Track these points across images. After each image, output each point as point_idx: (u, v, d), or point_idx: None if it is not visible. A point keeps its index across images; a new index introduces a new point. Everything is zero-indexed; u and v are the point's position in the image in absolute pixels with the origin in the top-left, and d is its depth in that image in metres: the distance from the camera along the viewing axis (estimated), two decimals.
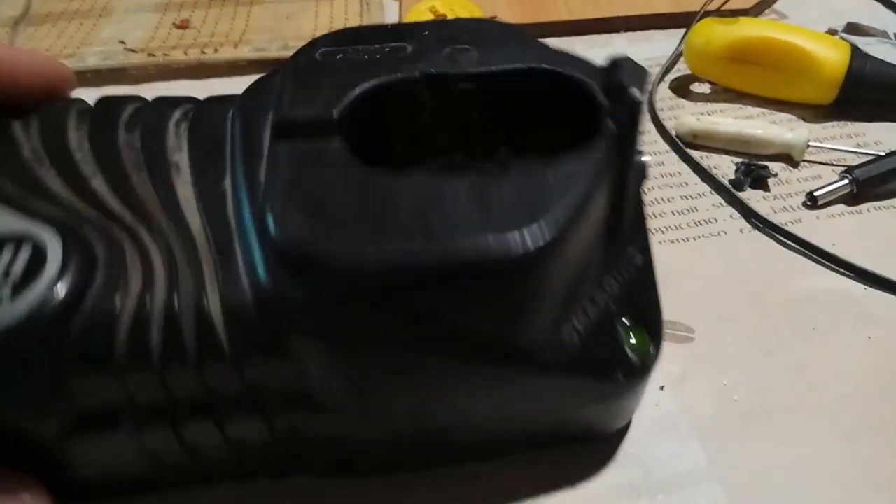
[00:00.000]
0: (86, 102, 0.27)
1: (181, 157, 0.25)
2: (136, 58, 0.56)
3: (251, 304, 0.22)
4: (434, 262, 0.21)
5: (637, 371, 0.26)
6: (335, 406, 0.24)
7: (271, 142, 0.24)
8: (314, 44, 0.27)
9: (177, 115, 0.26)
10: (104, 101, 0.27)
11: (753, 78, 0.48)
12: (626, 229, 0.28)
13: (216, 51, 0.56)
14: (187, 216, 0.23)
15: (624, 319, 0.27)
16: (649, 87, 0.23)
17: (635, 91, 0.24)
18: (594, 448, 0.30)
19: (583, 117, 0.25)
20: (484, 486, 0.29)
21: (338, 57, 0.26)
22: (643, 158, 0.29)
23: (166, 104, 0.27)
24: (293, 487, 0.29)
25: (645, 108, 0.24)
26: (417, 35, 0.27)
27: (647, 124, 0.48)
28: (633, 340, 0.27)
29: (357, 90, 0.25)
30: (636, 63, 0.25)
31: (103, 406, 0.23)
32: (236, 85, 0.26)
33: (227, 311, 0.22)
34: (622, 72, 0.24)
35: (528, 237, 0.21)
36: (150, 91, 0.55)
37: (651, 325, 0.27)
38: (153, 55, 0.56)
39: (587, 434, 0.30)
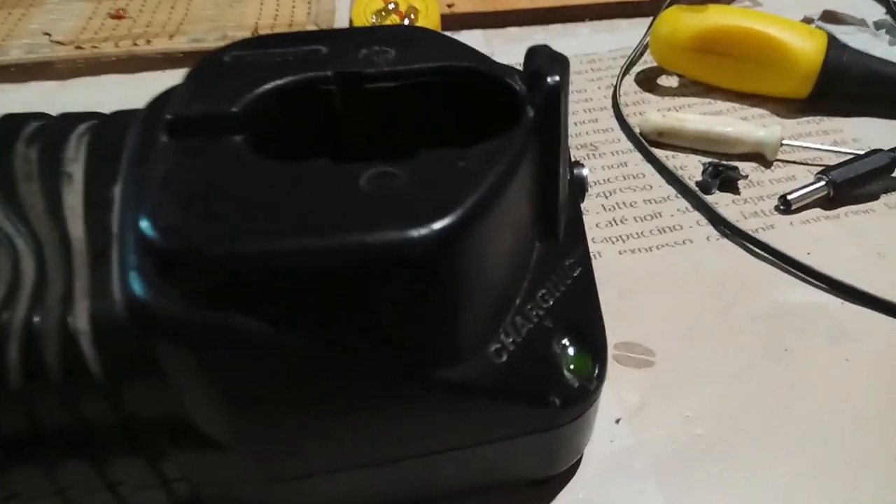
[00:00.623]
0: None
1: (76, 168, 0.23)
2: (63, 50, 0.52)
3: (122, 317, 0.19)
4: (318, 257, 0.18)
5: (576, 396, 0.23)
6: (222, 441, 0.21)
7: (163, 140, 0.22)
8: (224, 49, 0.25)
9: (81, 128, 0.25)
10: (6, 117, 0.25)
11: (724, 70, 0.45)
12: (561, 234, 0.25)
13: (149, 42, 0.52)
14: (70, 225, 0.21)
15: (563, 340, 0.24)
16: (568, 74, 0.21)
17: (553, 77, 0.22)
18: (538, 493, 0.27)
19: (503, 115, 0.22)
20: None
21: (247, 59, 0.24)
22: (583, 172, 0.27)
23: (72, 119, 0.25)
24: None
25: (566, 97, 0.22)
26: (335, 39, 0.25)
27: (609, 121, 0.44)
28: (571, 362, 0.24)
29: (264, 86, 0.23)
30: (554, 50, 0.23)
31: None
32: (170, 79, 0.24)
33: (96, 326, 0.19)
34: (539, 58, 0.22)
35: (428, 227, 0.18)
36: (78, 87, 0.51)
37: (593, 344, 0.24)
38: (81, 48, 0.52)
39: (528, 474, 0.27)
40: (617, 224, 0.38)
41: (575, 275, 0.25)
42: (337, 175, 0.20)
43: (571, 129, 0.44)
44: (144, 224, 0.19)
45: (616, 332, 0.32)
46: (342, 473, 0.23)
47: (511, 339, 0.23)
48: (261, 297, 0.19)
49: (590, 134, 0.43)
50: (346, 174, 0.20)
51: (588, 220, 0.37)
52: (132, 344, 0.19)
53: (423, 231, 0.18)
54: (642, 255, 0.36)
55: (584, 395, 0.23)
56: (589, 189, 0.28)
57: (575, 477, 0.27)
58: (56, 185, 0.23)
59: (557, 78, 0.22)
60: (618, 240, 0.37)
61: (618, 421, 0.29)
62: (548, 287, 0.24)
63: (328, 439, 0.22)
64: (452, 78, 0.24)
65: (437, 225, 0.18)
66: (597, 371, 0.24)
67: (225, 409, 0.21)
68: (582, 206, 0.27)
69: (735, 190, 0.39)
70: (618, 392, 0.30)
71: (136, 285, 0.19)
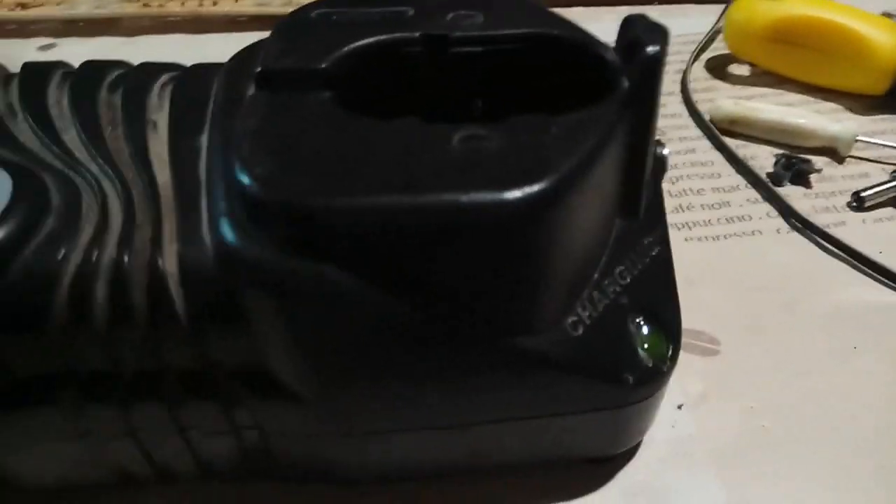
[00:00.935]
0: (70, 65, 0.26)
1: (160, 116, 0.23)
2: (131, 7, 0.52)
3: (210, 262, 0.20)
4: (413, 215, 0.18)
5: (650, 375, 0.23)
6: (300, 392, 0.21)
7: (252, 93, 0.22)
8: (311, 6, 0.25)
9: (163, 78, 0.25)
10: (88, 64, 0.26)
11: (798, 61, 0.43)
12: (642, 212, 0.25)
13: (215, 3, 0.52)
14: (156, 171, 0.22)
15: (638, 319, 0.23)
16: (668, 45, 0.21)
17: (652, 47, 0.21)
18: (596, 471, 0.27)
19: (594, 86, 0.22)
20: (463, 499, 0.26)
21: (334, 17, 0.24)
22: (664, 151, 0.26)
23: (153, 68, 0.25)
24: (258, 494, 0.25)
25: (663, 69, 0.22)
26: (421, 1, 0.25)
27: (678, 106, 0.43)
28: (645, 341, 0.23)
29: (352, 44, 0.23)
30: (652, 20, 0.22)
31: (37, 372, 0.21)
32: (234, 42, 0.24)
33: (184, 270, 0.20)
34: (638, 28, 0.22)
35: (521, 190, 0.18)
36: (144, 44, 0.51)
37: (668, 325, 0.24)
38: (148, 5, 0.52)
39: (592, 452, 0.26)
40: (683, 210, 0.37)
41: (653, 254, 0.25)
42: (427, 134, 0.20)
43: None
44: (239, 173, 0.19)
45: (683, 318, 0.32)
46: (411, 433, 0.23)
47: (588, 314, 0.23)
48: (351, 252, 0.18)
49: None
50: (436, 134, 0.20)
51: None
52: (220, 289, 0.19)
53: (516, 194, 0.18)
54: (708, 244, 0.35)
55: (656, 375, 0.23)
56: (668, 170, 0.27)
57: (635, 458, 0.27)
58: (141, 132, 0.23)
59: (658, 48, 0.21)
60: (684, 226, 0.36)
61: (680, 407, 0.29)
62: (626, 264, 0.24)
63: (403, 398, 0.22)
64: (540, 45, 0.23)
65: (531, 189, 0.18)
66: (670, 352, 0.23)
67: (305, 360, 0.21)
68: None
69: (807, 184, 0.38)
70: (681, 378, 0.29)
71: (227, 232, 0.19)
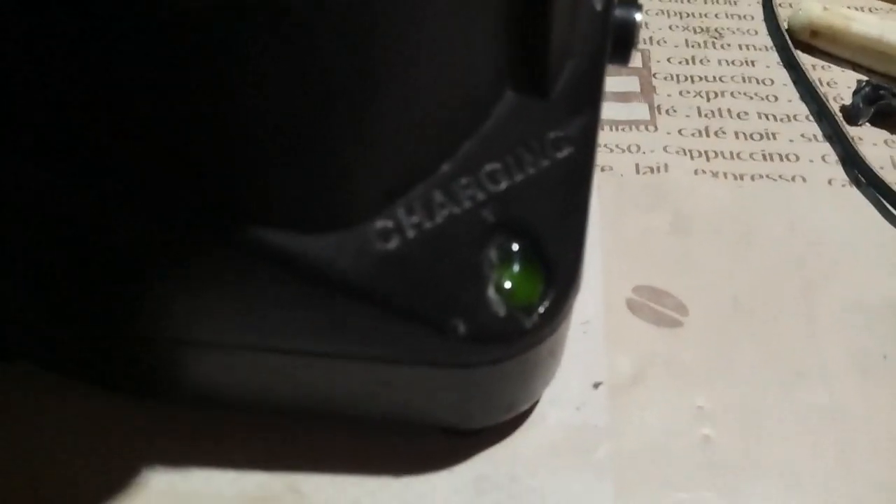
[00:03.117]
0: None
1: None
2: None
3: None
4: None
5: (498, 329, 0.15)
6: None
7: None
8: None
9: None
10: None
11: None
12: (553, 91, 0.16)
13: None
14: None
15: (510, 245, 0.15)
16: None
17: None
18: (452, 447, 0.19)
19: None
20: (254, 437, 0.19)
21: None
22: (634, 15, 0.18)
23: None
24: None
25: None
26: None
27: (753, 7, 0.33)
28: (508, 279, 0.15)
29: None
30: None
31: None
32: None
33: None
34: None
35: None
36: None
37: (553, 262, 0.16)
38: None
39: (438, 420, 0.19)
40: (708, 135, 0.27)
41: (559, 156, 0.16)
42: None
43: (697, 7, 0.33)
44: None
45: (645, 271, 0.23)
46: (198, 350, 0.17)
47: (414, 220, 0.15)
48: None
49: (719, 17, 0.32)
50: None
51: (670, 123, 0.28)
52: None
53: None
54: (726, 183, 0.26)
55: (511, 332, 0.15)
56: (637, 45, 0.18)
57: (510, 439, 0.20)
58: None
59: None
60: (700, 155, 0.27)
61: (597, 385, 0.21)
62: (505, 162, 0.16)
63: (150, 303, 0.16)
64: None
65: None
66: (547, 303, 0.16)
67: None
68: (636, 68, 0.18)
69: (894, 128, 0.28)
70: (615, 347, 0.21)
71: None
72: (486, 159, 0.16)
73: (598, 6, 0.17)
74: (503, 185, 0.16)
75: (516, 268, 0.16)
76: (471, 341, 0.15)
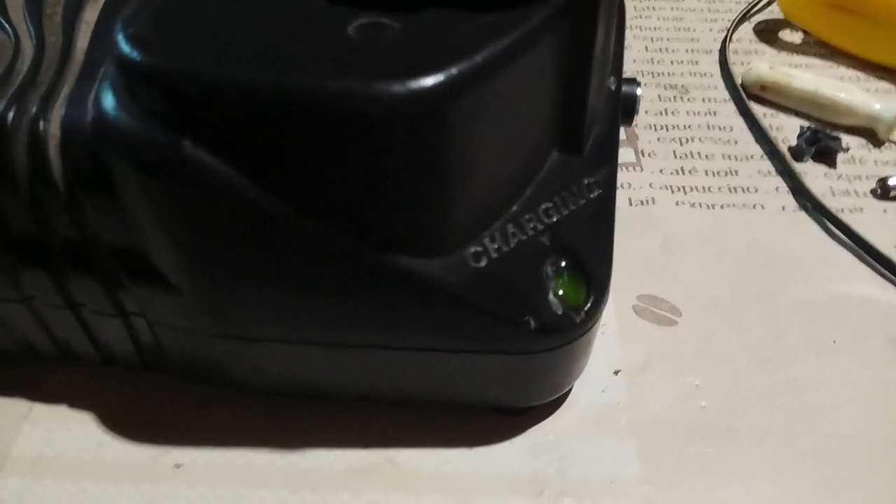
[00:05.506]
0: None
1: None
2: None
3: (88, 126, 0.19)
4: (271, 94, 0.17)
5: (558, 324, 0.21)
6: (175, 283, 0.21)
7: None
8: None
9: None
10: None
11: (855, 32, 0.39)
12: (585, 148, 0.22)
13: None
14: (78, 37, 0.21)
15: (560, 262, 0.21)
16: None
17: None
18: (507, 422, 0.25)
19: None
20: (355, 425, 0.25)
21: None
22: (635, 90, 0.24)
23: None
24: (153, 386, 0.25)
25: None
26: None
27: (711, 66, 0.40)
28: (561, 287, 0.21)
29: None
30: None
31: None
32: None
33: (65, 133, 0.19)
34: None
35: (397, 83, 0.16)
36: None
37: (592, 274, 0.22)
38: None
39: (499, 401, 0.25)
40: (684, 174, 0.34)
41: (592, 196, 0.22)
42: (325, 16, 0.18)
43: (666, 68, 0.40)
44: (116, 33, 0.18)
45: (644, 283, 0.29)
46: (295, 347, 0.22)
47: (496, 246, 0.21)
48: (211, 127, 0.17)
49: (684, 76, 0.39)
50: (336, 16, 0.18)
51: (652, 164, 0.34)
52: (93, 156, 0.19)
53: (387, 87, 0.16)
54: (701, 212, 0.32)
55: (566, 325, 0.21)
56: (638, 112, 0.25)
57: (553, 416, 0.25)
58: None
59: None
60: (679, 189, 0.33)
61: (617, 372, 0.26)
62: (555, 202, 0.22)
63: (277, 305, 0.21)
64: None
65: (407, 83, 0.16)
66: (589, 304, 0.21)
67: (175, 249, 0.20)
68: (635, 129, 0.25)
69: (831, 163, 0.34)
70: (627, 343, 0.27)
71: (103, 96, 0.18)
72: (541, 200, 0.22)
73: (612, 86, 0.23)
74: (554, 218, 0.22)
75: (566, 278, 0.21)
76: (539, 333, 0.21)
